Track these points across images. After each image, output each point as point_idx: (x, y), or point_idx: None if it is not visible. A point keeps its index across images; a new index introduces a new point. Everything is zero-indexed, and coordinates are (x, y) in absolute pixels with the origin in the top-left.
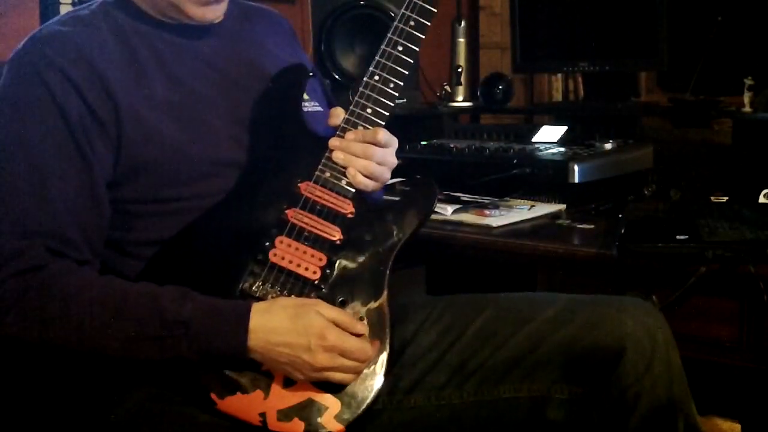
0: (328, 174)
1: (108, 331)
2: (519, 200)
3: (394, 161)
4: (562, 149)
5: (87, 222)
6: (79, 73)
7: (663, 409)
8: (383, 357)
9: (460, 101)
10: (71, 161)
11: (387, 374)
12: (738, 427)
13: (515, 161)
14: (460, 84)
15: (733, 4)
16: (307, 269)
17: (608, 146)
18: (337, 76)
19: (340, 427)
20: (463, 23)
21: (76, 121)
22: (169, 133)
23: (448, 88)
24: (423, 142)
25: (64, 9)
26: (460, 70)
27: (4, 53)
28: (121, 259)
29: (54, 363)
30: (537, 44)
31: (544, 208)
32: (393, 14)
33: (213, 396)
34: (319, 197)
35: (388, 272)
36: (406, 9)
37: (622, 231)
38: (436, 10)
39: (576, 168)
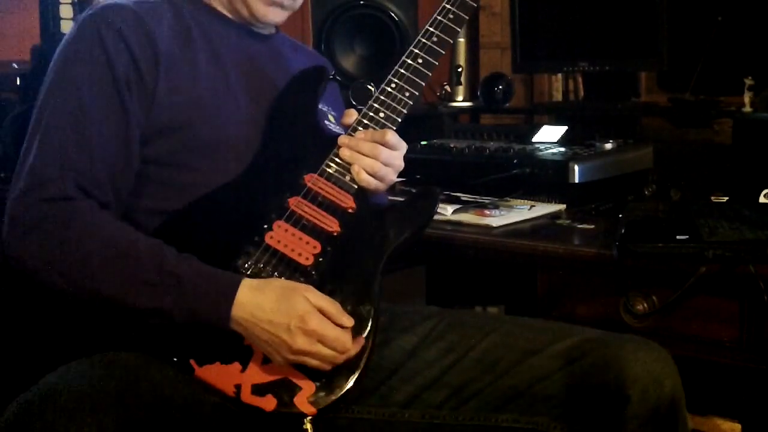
0: (333, 168)
1: (109, 269)
2: (519, 200)
3: (400, 164)
4: (562, 149)
5: (117, 167)
6: (134, 38)
7: None
8: (365, 353)
9: (460, 101)
10: (111, 108)
11: (365, 369)
12: (738, 427)
13: (515, 161)
14: (460, 84)
15: (733, 4)
16: (300, 255)
17: (608, 146)
18: (337, 76)
19: (312, 409)
20: None
21: (121, 74)
22: (199, 105)
23: (448, 88)
24: (423, 142)
25: (64, 9)
26: (460, 70)
27: (4, 53)
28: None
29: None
30: (537, 44)
31: (544, 208)
32: (393, 14)
33: (192, 362)
34: (322, 189)
35: (379, 271)
36: (431, 25)
37: (622, 231)
38: (460, 30)
39: (576, 168)
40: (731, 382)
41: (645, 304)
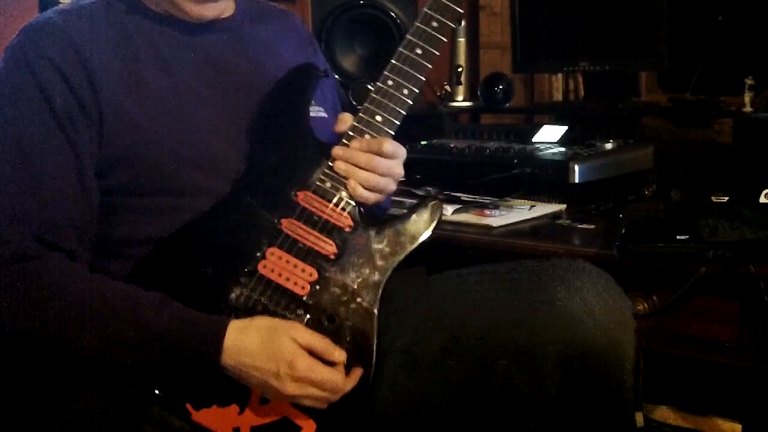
0: (328, 184)
1: (86, 330)
2: (519, 200)
3: (400, 172)
4: (562, 149)
5: (76, 210)
6: (66, 63)
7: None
8: (366, 384)
9: (460, 101)
10: (58, 148)
11: (368, 397)
12: (738, 427)
13: (515, 161)
14: (460, 84)
15: (733, 4)
16: (296, 284)
17: (608, 146)
18: (337, 76)
19: None
20: (463, 23)
21: (61, 108)
22: (152, 126)
23: (448, 87)
24: (423, 142)
25: None
26: (460, 69)
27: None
28: (105, 260)
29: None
30: (537, 44)
31: (544, 208)
32: (393, 14)
33: (188, 406)
34: (317, 208)
35: (380, 295)
36: (428, 8)
37: (623, 231)
38: (462, 11)
39: (576, 168)
40: (731, 382)
41: (645, 304)
